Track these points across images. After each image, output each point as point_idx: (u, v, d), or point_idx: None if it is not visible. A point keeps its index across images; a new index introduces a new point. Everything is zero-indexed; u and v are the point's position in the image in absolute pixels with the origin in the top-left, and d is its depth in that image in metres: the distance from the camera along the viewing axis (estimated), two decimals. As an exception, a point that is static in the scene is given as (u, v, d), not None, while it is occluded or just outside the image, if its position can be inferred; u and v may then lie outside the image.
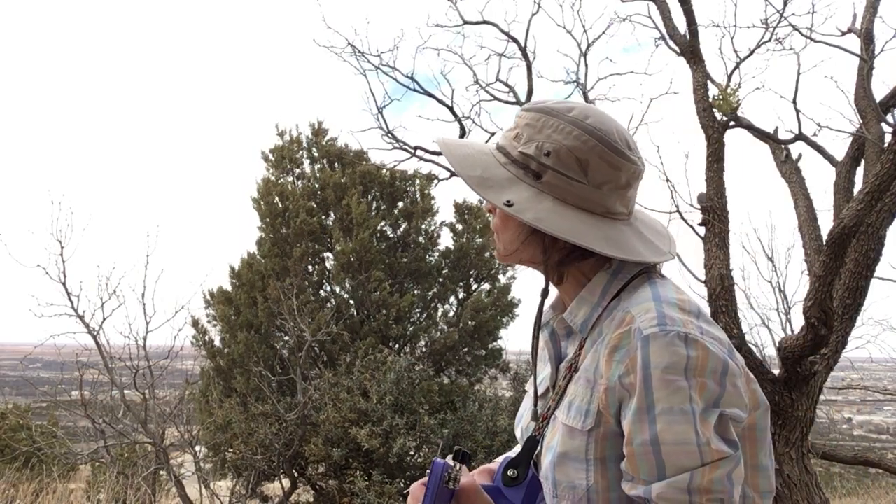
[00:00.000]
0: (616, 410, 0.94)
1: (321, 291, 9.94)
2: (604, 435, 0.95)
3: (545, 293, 1.10)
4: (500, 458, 1.22)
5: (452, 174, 6.20)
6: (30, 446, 7.41)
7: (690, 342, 0.91)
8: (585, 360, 1.01)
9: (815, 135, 4.33)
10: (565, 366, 1.07)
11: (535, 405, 1.11)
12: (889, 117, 3.99)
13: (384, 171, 9.67)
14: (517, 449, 1.18)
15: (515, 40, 4.91)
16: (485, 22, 5.00)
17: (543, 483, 1.02)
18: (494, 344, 9.91)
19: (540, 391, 1.13)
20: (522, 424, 1.16)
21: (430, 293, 10.03)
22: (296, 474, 7.57)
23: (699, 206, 3.80)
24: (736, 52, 4.26)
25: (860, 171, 4.09)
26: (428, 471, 1.02)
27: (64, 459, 7.00)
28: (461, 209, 10.28)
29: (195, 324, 9.41)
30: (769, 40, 4.22)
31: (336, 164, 10.33)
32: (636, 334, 0.93)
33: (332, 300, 9.69)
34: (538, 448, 1.05)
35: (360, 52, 5.04)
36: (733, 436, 0.90)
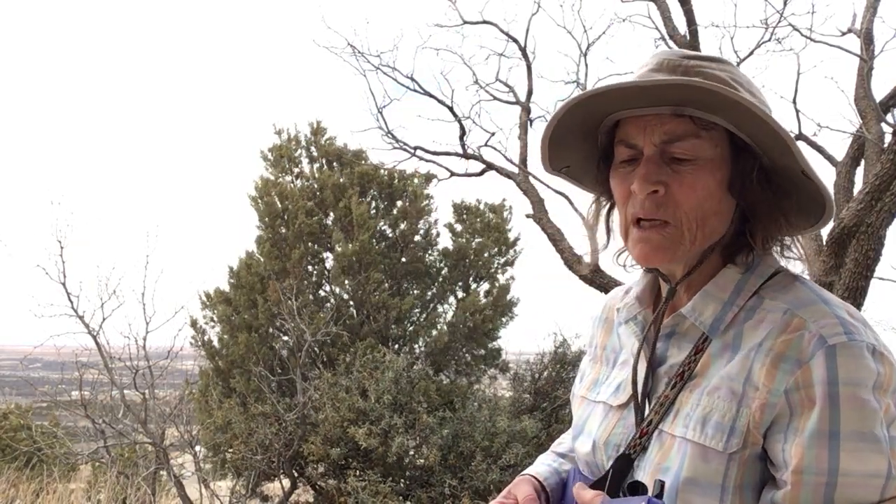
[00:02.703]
0: (766, 430, 0.79)
1: (321, 292, 9.95)
2: (747, 459, 0.80)
3: (672, 292, 0.92)
4: (542, 470, 1.07)
5: (452, 174, 6.20)
6: (30, 446, 7.41)
7: (878, 355, 0.78)
8: (727, 368, 0.83)
9: (815, 135, 4.34)
10: (670, 371, 0.89)
11: (639, 414, 0.91)
12: (889, 117, 3.99)
13: (382, 171, 9.68)
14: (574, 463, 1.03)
15: (515, 40, 4.92)
16: (485, 22, 5.01)
17: None
18: (493, 344, 9.92)
19: (616, 400, 0.96)
20: (597, 438, 0.95)
21: (429, 293, 10.04)
22: (295, 474, 7.57)
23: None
24: (736, 52, 4.27)
25: (860, 171, 4.09)
26: None
27: (64, 459, 7.00)
28: (460, 209, 10.29)
29: (194, 324, 9.42)
30: (769, 40, 4.23)
31: (335, 164, 10.34)
32: (815, 342, 0.77)
33: (332, 301, 9.69)
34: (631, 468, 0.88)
35: (359, 52, 5.05)
36: None
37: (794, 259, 0.92)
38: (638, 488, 0.80)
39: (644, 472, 0.86)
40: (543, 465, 1.09)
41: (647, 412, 0.89)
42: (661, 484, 0.77)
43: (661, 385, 0.90)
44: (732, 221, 0.88)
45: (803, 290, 0.84)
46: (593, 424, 0.98)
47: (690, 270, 0.90)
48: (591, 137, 0.93)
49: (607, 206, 0.97)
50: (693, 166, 0.84)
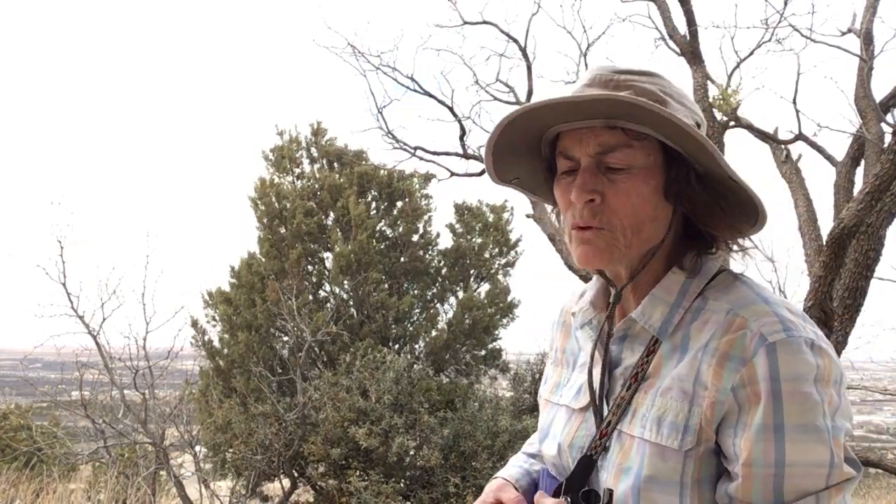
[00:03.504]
0: (717, 426, 0.83)
1: (321, 292, 9.95)
2: (702, 455, 0.84)
3: (618, 296, 0.96)
4: (514, 472, 1.11)
5: (452, 174, 6.21)
6: (30, 446, 7.41)
7: (817, 349, 0.82)
8: (678, 369, 0.87)
9: (815, 135, 4.34)
10: (625, 373, 0.93)
11: (598, 416, 0.94)
12: (889, 117, 4.00)
13: (382, 171, 9.68)
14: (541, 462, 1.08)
15: (515, 40, 4.92)
16: (485, 22, 5.01)
17: None
18: (494, 344, 9.92)
19: (577, 403, 0.99)
20: (562, 440, 0.99)
21: (429, 293, 10.04)
22: (296, 474, 7.57)
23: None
24: (736, 52, 4.27)
25: (860, 171, 4.10)
26: None
27: (64, 459, 7.00)
28: (461, 209, 10.29)
29: (194, 324, 9.42)
30: (769, 40, 4.23)
31: (335, 165, 10.34)
32: (756, 340, 0.81)
33: (332, 300, 9.69)
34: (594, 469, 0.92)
35: (360, 52, 5.05)
36: (853, 454, 0.83)
37: (742, 253, 0.96)
38: (590, 498, 0.84)
39: (607, 472, 0.89)
40: (515, 468, 1.12)
41: (605, 413, 0.92)
42: (610, 493, 0.80)
43: (617, 386, 0.93)
44: (671, 226, 0.91)
45: (744, 290, 0.88)
46: (558, 427, 1.01)
47: (634, 274, 0.93)
48: (538, 150, 0.97)
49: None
50: (627, 175, 0.87)
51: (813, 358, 0.80)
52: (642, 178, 0.87)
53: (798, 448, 0.79)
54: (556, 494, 0.91)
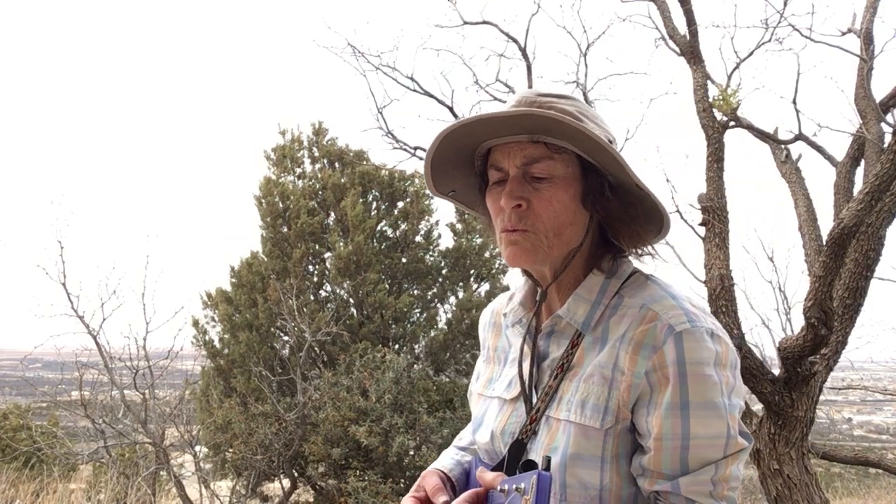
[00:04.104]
0: (633, 406, 0.95)
1: (321, 292, 9.95)
2: (619, 432, 0.95)
3: (544, 295, 1.07)
4: (447, 463, 1.17)
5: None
6: (30, 446, 7.41)
7: (716, 337, 0.94)
8: (598, 358, 0.98)
9: (815, 135, 4.33)
10: (552, 365, 1.04)
11: (528, 404, 1.05)
12: (889, 117, 3.99)
13: (383, 171, 9.68)
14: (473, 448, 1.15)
15: (515, 40, 4.91)
16: (485, 22, 5.00)
17: None
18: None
19: (509, 394, 1.09)
20: (495, 428, 1.09)
21: (429, 293, 10.04)
22: (296, 474, 7.57)
23: (699, 206, 3.80)
24: (736, 52, 4.26)
25: (860, 171, 4.09)
26: (505, 487, 0.89)
27: (64, 459, 7.00)
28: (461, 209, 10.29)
29: (195, 324, 9.42)
30: (769, 40, 4.21)
31: (336, 164, 10.34)
32: (665, 330, 0.93)
33: (333, 301, 9.69)
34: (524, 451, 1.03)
35: (360, 52, 5.04)
36: (745, 428, 0.95)
37: (647, 256, 1.07)
38: (530, 465, 0.91)
39: (536, 454, 0.99)
40: (448, 459, 1.20)
41: (534, 401, 1.03)
42: (548, 459, 0.86)
43: (545, 377, 1.04)
44: (589, 232, 1.03)
45: (654, 288, 1.01)
46: (490, 417, 1.11)
47: (557, 274, 1.05)
48: (471, 165, 1.09)
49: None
50: (549, 184, 0.99)
51: (713, 345, 0.93)
52: (562, 186, 0.99)
53: (701, 423, 0.91)
54: None
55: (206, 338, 9.57)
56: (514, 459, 1.00)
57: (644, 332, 0.94)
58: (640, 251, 1.06)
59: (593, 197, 1.01)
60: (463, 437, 1.29)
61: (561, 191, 0.99)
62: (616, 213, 1.01)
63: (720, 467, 0.92)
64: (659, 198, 0.99)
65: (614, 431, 0.95)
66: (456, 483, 1.14)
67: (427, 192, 10.20)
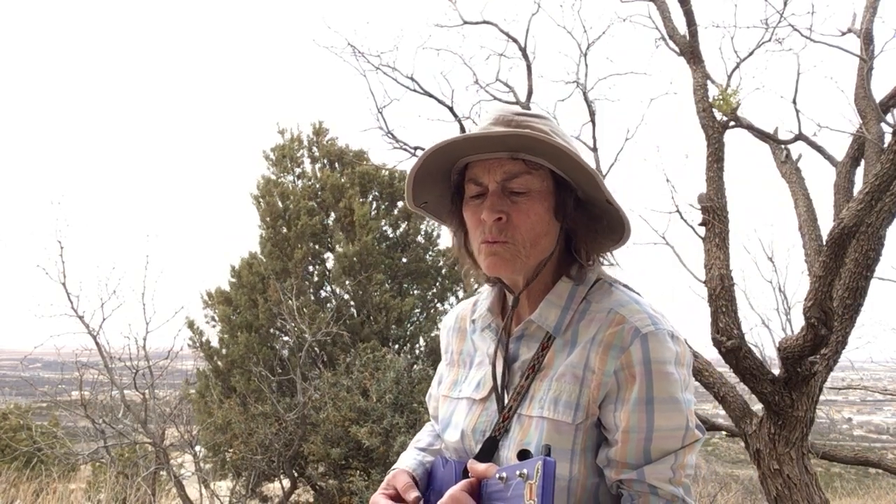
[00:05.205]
0: (601, 402, 1.02)
1: (322, 292, 9.94)
2: (588, 427, 1.03)
3: (517, 301, 1.13)
4: (410, 463, 1.19)
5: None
6: (30, 446, 7.40)
7: (675, 339, 1.04)
8: (569, 359, 1.05)
9: (815, 135, 4.33)
10: (523, 366, 1.10)
11: (500, 403, 1.11)
12: (889, 117, 3.99)
13: (383, 171, 9.67)
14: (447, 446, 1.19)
15: (515, 40, 4.91)
16: (485, 22, 5.00)
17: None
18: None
19: (478, 394, 1.15)
20: (465, 427, 1.14)
21: (429, 293, 10.04)
22: (296, 474, 7.57)
23: (699, 206, 3.80)
24: (736, 52, 4.25)
25: (860, 171, 4.09)
26: (504, 475, 0.90)
27: (64, 459, 7.00)
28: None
29: (191, 325, 9.41)
30: (769, 40, 4.21)
31: (336, 164, 10.34)
32: (632, 332, 1.01)
33: (333, 301, 9.69)
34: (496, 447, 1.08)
35: (359, 52, 5.04)
36: (698, 421, 1.05)
37: (609, 265, 1.16)
38: (527, 454, 0.95)
39: (508, 450, 1.05)
40: (410, 459, 1.24)
41: (506, 401, 1.09)
42: (548, 448, 0.88)
43: (516, 378, 1.10)
44: (558, 241, 1.10)
45: (619, 294, 1.09)
46: (459, 417, 1.17)
47: (529, 282, 1.11)
48: (446, 179, 1.15)
49: (462, 235, 1.16)
50: (527, 198, 1.06)
51: (673, 346, 1.02)
52: (538, 200, 1.06)
53: (664, 416, 1.00)
54: (465, 471, 1.02)
55: (203, 339, 9.56)
56: (487, 455, 1.06)
57: (613, 334, 1.02)
58: (602, 259, 1.14)
59: (564, 209, 1.08)
60: (421, 439, 1.33)
61: (537, 204, 1.06)
62: (582, 224, 1.09)
63: (678, 456, 1.01)
64: (625, 211, 1.07)
65: (584, 426, 1.02)
66: (419, 482, 1.17)
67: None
